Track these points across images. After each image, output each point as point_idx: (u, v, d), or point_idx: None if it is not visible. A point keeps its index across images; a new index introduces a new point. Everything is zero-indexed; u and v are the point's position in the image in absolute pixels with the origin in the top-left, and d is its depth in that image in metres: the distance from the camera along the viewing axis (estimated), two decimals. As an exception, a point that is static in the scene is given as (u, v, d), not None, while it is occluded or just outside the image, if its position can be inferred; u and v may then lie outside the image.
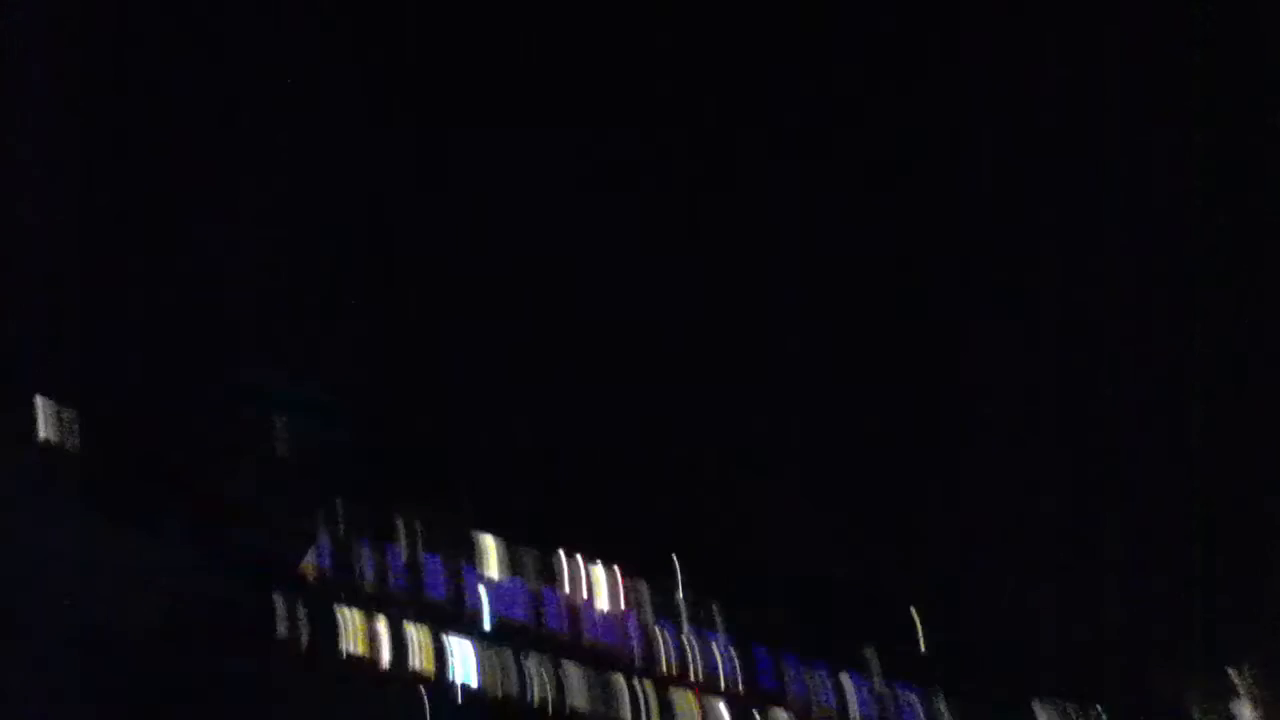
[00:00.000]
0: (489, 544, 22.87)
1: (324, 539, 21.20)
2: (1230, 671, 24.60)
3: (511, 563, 22.58)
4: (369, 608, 21.36)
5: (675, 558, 26.32)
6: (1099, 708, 27.70)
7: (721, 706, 25.24)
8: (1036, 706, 24.93)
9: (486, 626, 22.13)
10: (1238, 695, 23.59)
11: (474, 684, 20.69)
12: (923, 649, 32.68)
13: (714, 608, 29.82)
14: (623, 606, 28.58)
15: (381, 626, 19.94)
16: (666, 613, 27.65)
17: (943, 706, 29.56)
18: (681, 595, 27.56)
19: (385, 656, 15.99)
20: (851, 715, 28.00)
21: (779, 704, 27.69)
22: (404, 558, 21.18)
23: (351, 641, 16.41)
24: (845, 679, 30.91)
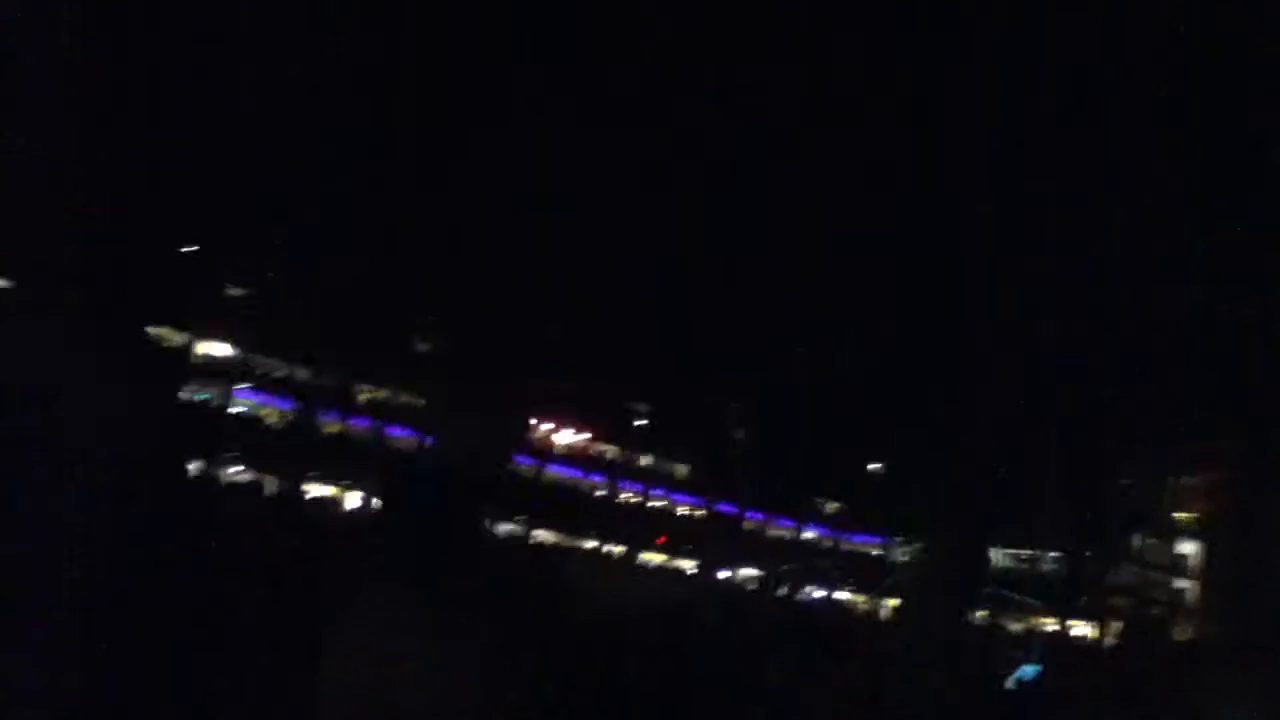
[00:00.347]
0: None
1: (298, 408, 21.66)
2: (1176, 517, 25.36)
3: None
4: (341, 473, 21.59)
5: (644, 421, 26.83)
6: (1051, 554, 28.71)
7: (687, 561, 25.90)
8: (992, 552, 25.89)
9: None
10: (1183, 535, 24.48)
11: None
12: (880, 501, 33.27)
13: (682, 469, 30.51)
14: (592, 469, 29.28)
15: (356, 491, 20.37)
16: (634, 473, 28.31)
17: (900, 553, 30.59)
18: (650, 458, 28.04)
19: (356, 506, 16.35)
20: (812, 564, 28.97)
21: (744, 555, 28.56)
22: (373, 424, 21.54)
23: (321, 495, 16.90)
24: (809, 532, 31.98)
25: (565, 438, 37.88)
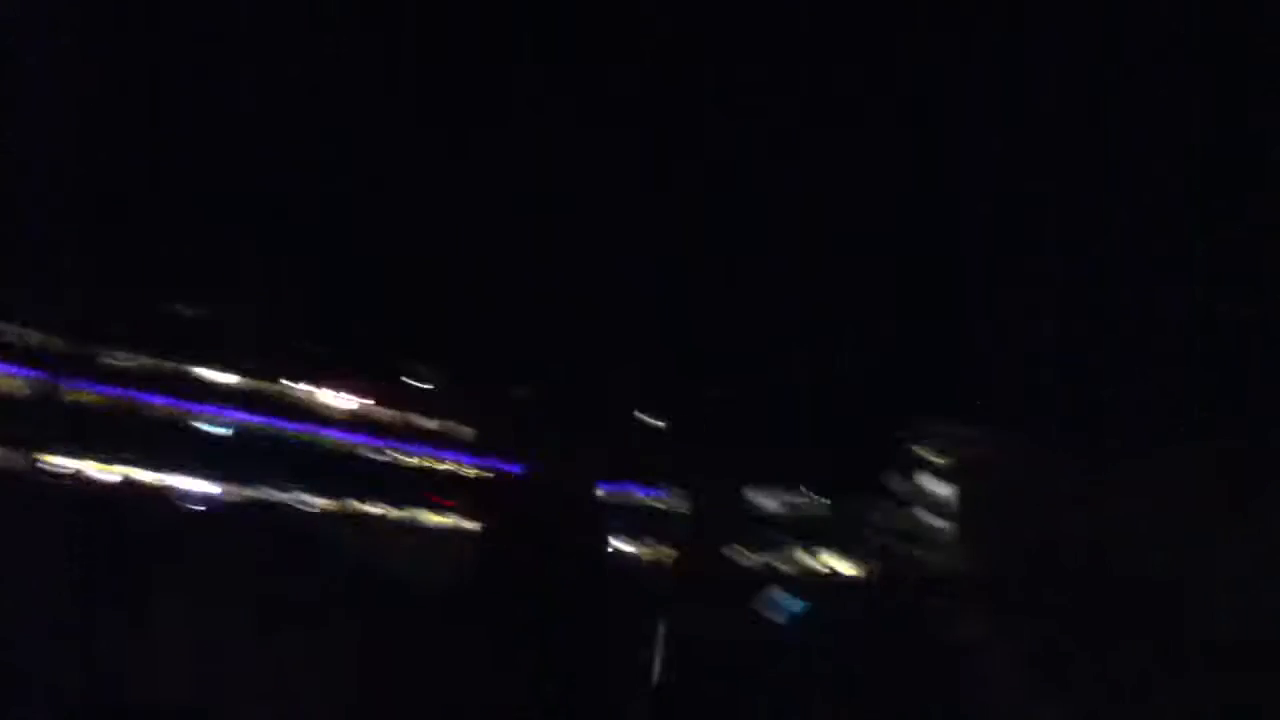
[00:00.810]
0: (219, 378, 22.16)
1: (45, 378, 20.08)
2: (919, 448, 26.98)
3: (247, 396, 22.08)
4: (93, 447, 20.30)
5: (417, 377, 26.11)
6: (805, 488, 30.07)
7: (462, 516, 25.55)
8: (752, 492, 26.80)
9: (223, 453, 21.61)
10: (926, 468, 26.09)
11: (216, 495, 20.39)
12: (662, 452, 33.81)
13: (464, 428, 30.03)
14: (359, 428, 28.37)
15: (107, 467, 19.23)
16: (411, 433, 27.60)
17: (678, 501, 31.19)
18: (434, 421, 27.45)
19: (109, 486, 15.67)
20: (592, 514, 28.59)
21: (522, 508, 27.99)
22: (127, 393, 20.28)
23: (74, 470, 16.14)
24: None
25: (346, 402, 36.98)
